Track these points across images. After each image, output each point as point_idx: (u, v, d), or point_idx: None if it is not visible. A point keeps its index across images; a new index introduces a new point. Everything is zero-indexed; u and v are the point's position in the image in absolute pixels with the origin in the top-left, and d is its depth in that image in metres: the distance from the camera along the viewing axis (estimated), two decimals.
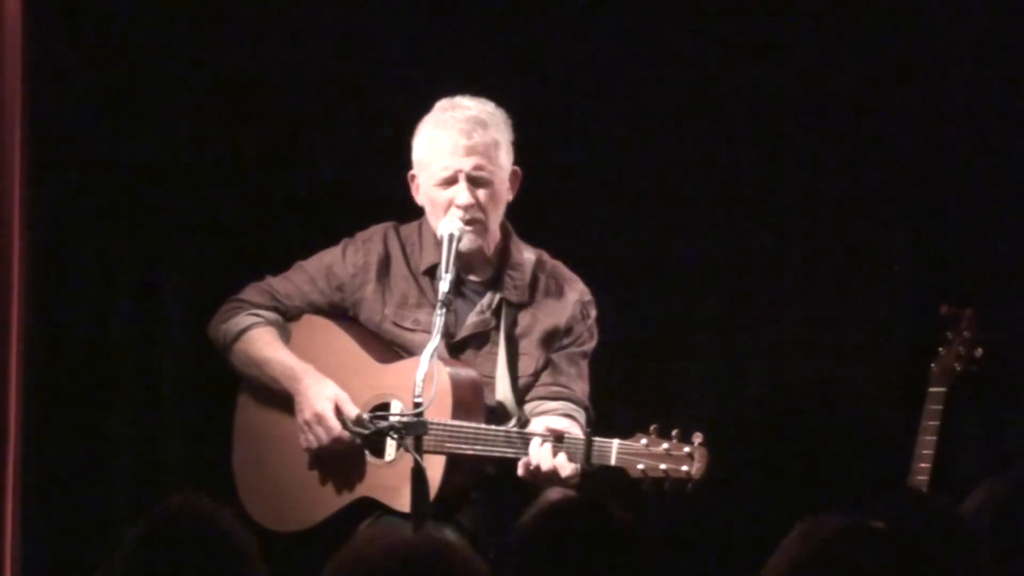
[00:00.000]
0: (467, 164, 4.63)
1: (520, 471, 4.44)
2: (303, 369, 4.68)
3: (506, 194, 4.71)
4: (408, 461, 4.35)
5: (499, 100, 4.71)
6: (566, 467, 4.39)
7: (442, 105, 4.71)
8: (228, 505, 3.07)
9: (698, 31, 5.52)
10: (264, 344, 4.75)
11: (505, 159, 4.68)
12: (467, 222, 4.62)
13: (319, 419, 4.61)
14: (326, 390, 4.63)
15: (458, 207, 4.61)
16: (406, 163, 4.74)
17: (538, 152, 4.83)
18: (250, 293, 4.83)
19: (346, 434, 4.59)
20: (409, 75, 5.42)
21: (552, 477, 4.41)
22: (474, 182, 4.63)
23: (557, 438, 4.42)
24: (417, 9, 5.54)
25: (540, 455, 4.41)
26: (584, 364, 4.77)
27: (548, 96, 5.50)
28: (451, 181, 4.64)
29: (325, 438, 4.61)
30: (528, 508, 4.48)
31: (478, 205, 4.63)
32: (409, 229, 4.81)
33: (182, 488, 3.09)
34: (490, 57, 5.48)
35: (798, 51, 5.49)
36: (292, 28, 5.52)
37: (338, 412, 4.61)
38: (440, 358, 4.44)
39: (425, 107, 4.73)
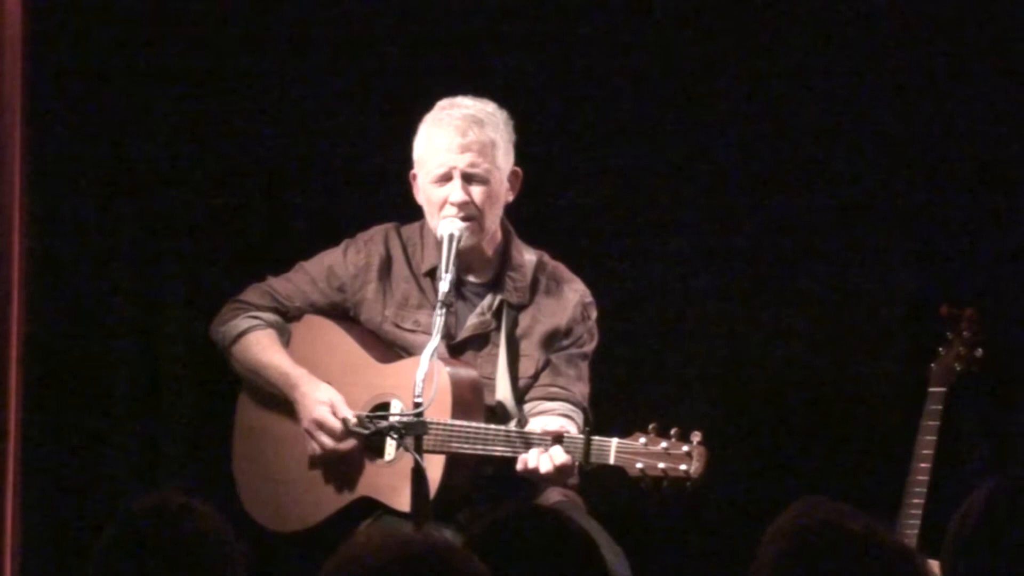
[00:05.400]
0: (462, 161, 4.63)
1: (519, 466, 4.43)
2: (298, 375, 4.68)
3: (505, 194, 4.71)
4: (408, 460, 4.35)
5: (500, 100, 4.71)
6: (560, 456, 4.39)
7: (442, 104, 4.71)
8: (206, 500, 3.07)
9: (699, 30, 5.52)
10: (262, 348, 4.75)
11: (503, 159, 4.68)
12: (461, 219, 4.62)
13: (319, 425, 4.61)
14: (321, 395, 4.63)
15: (452, 204, 4.62)
16: (407, 162, 4.74)
17: (538, 152, 4.83)
18: (251, 294, 4.83)
19: (347, 435, 4.60)
20: (413, 74, 5.42)
21: (548, 478, 4.41)
22: (469, 179, 4.63)
23: (556, 439, 4.42)
24: (420, 9, 5.53)
25: (538, 459, 4.40)
26: (584, 365, 4.77)
27: (548, 96, 5.50)
28: (446, 178, 4.64)
29: (329, 443, 4.61)
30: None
31: (472, 203, 4.63)
32: (411, 230, 4.82)
33: (156, 488, 3.10)
34: (492, 57, 5.47)
35: (800, 50, 5.49)
36: (293, 27, 5.51)
37: (336, 414, 4.61)
38: (440, 358, 4.44)
39: (427, 106, 4.73)
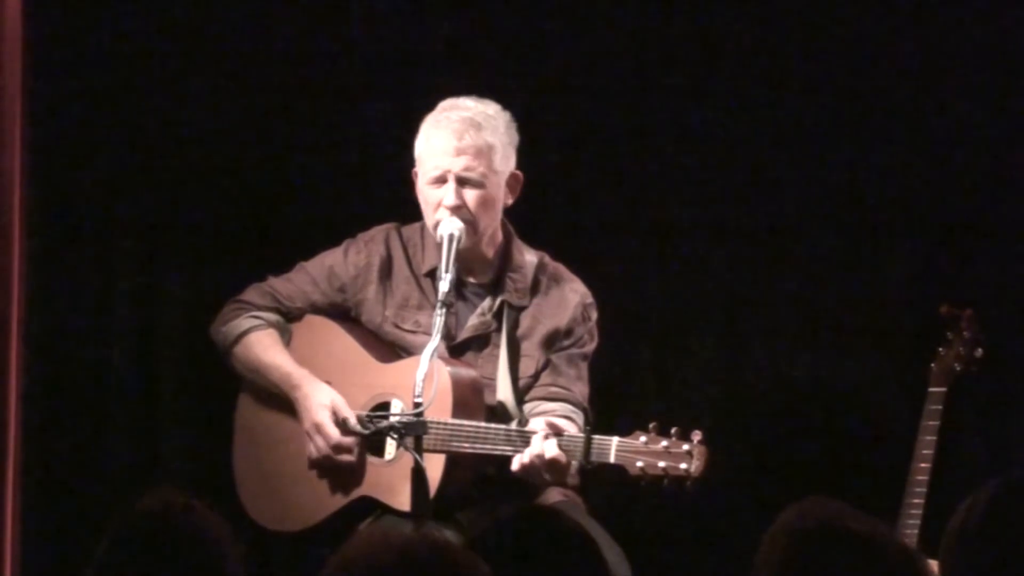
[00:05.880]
0: (457, 165, 4.63)
1: (514, 466, 4.43)
2: (300, 375, 4.68)
3: (503, 198, 4.71)
4: (408, 460, 4.35)
5: (500, 100, 4.71)
6: (552, 449, 4.38)
7: (443, 105, 4.72)
8: (205, 499, 3.07)
9: (700, 30, 5.52)
10: (263, 348, 4.75)
11: (501, 163, 4.68)
12: None
13: (318, 428, 4.61)
14: (322, 398, 4.63)
15: (444, 207, 4.62)
16: (408, 163, 4.75)
17: (538, 152, 4.83)
18: (252, 294, 4.83)
19: (346, 440, 4.60)
20: (412, 74, 5.42)
21: (550, 469, 4.40)
22: (463, 183, 4.64)
23: (556, 433, 4.43)
24: (420, 9, 5.53)
25: (545, 446, 4.40)
26: (584, 366, 4.77)
27: (548, 95, 5.49)
28: (440, 180, 4.65)
29: (325, 448, 4.61)
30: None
31: (465, 206, 4.63)
32: (411, 230, 4.82)
33: (156, 487, 3.10)
34: (492, 57, 5.47)
35: (800, 50, 5.49)
36: (293, 26, 5.51)
37: (337, 417, 4.61)
38: (440, 357, 4.44)
39: (428, 107, 4.73)
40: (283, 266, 4.88)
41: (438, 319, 4.45)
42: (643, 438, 4.35)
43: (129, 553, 2.97)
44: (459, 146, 4.63)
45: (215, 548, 2.98)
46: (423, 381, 4.30)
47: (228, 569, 2.96)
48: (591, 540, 3.00)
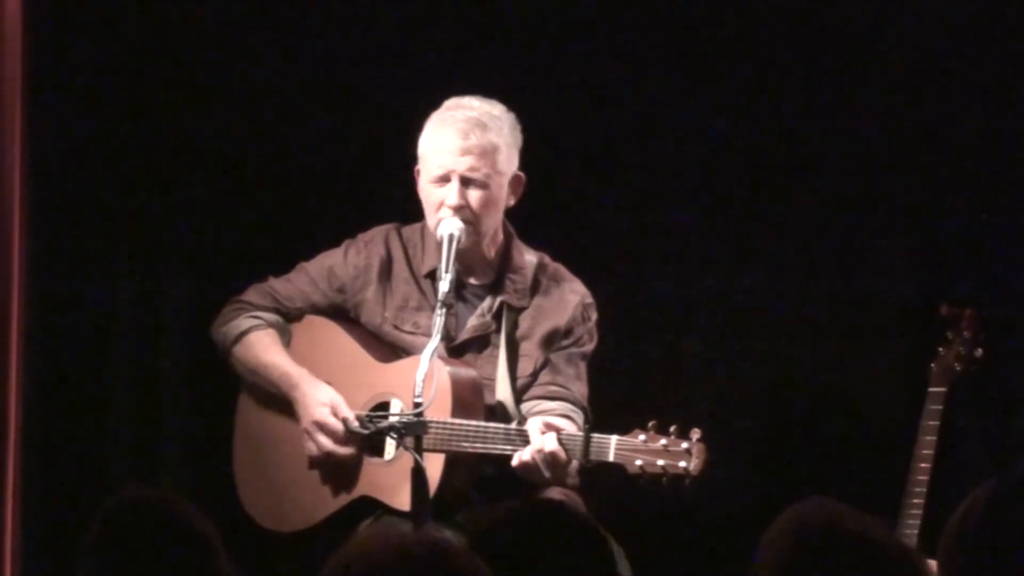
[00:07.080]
0: (461, 165, 4.63)
1: (514, 462, 4.43)
2: (299, 375, 4.68)
3: (505, 199, 4.71)
4: (407, 459, 4.35)
5: (502, 100, 4.71)
6: (552, 443, 4.38)
7: (449, 104, 4.71)
8: (183, 495, 3.08)
9: (699, 31, 5.52)
10: (262, 348, 4.76)
11: (505, 164, 4.67)
12: None
13: (320, 426, 4.61)
14: (321, 396, 4.63)
15: (447, 207, 4.62)
16: (408, 163, 4.74)
17: (539, 152, 4.83)
18: (252, 294, 4.83)
19: (349, 438, 4.60)
20: (414, 75, 5.42)
21: (550, 465, 4.40)
22: (466, 183, 4.63)
23: (553, 430, 4.43)
24: (423, 8, 5.54)
25: (544, 440, 4.40)
26: (583, 365, 4.77)
27: (549, 95, 5.49)
28: (444, 180, 4.64)
29: (328, 444, 4.61)
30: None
31: (468, 207, 4.63)
32: (411, 231, 4.82)
33: (129, 482, 3.11)
34: (495, 57, 5.47)
35: (798, 50, 5.49)
36: (292, 27, 5.52)
37: (336, 415, 4.61)
38: (440, 357, 4.45)
39: (431, 107, 4.73)
40: (283, 266, 4.88)
41: (438, 319, 4.45)
42: (642, 436, 4.35)
43: (118, 544, 2.97)
44: (464, 146, 4.62)
45: (205, 541, 2.98)
46: (423, 381, 4.30)
47: (210, 565, 2.96)
48: (601, 533, 2.99)
